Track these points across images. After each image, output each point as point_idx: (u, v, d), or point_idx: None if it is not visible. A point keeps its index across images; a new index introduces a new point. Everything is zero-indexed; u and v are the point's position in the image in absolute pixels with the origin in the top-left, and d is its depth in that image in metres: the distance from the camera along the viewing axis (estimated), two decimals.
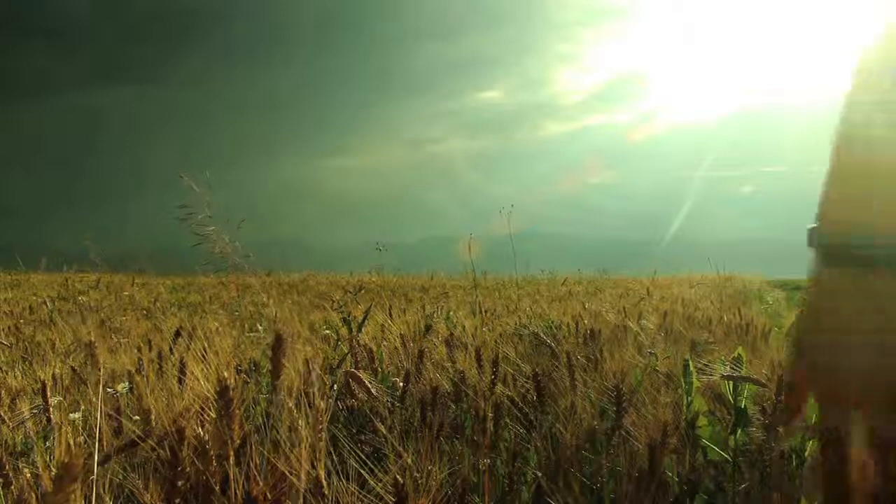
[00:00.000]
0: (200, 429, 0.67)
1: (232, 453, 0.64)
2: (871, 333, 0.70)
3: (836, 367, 0.73)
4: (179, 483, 0.58)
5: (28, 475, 1.02)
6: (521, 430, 1.68)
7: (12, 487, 1.02)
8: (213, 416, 0.71)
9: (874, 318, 0.70)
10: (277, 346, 0.85)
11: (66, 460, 0.46)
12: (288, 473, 0.60)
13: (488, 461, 1.55)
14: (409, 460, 0.84)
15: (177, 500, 0.58)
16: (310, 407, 0.71)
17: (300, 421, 0.67)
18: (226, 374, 0.67)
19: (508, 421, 1.70)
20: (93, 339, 1.54)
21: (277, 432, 0.67)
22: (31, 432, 1.45)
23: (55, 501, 0.45)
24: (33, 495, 0.93)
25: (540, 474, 1.52)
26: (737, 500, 1.50)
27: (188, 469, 0.63)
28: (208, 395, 0.68)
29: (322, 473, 0.65)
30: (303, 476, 0.62)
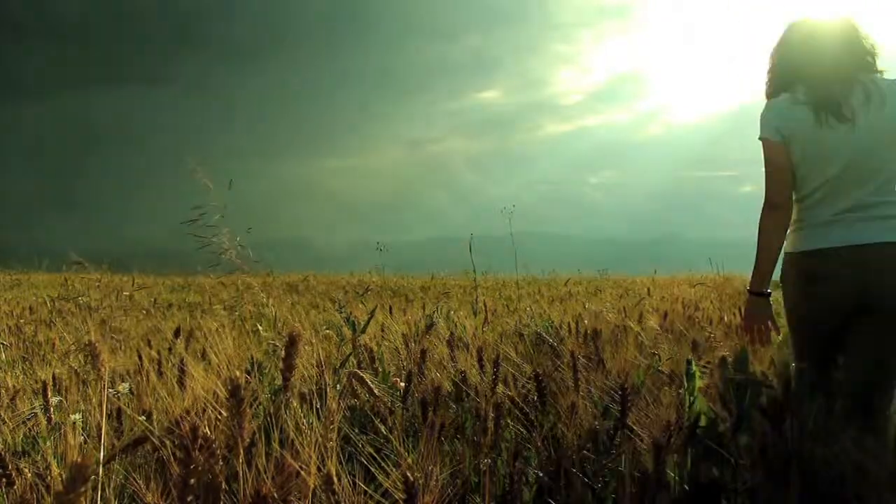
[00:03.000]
0: (207, 428, 0.67)
1: (242, 451, 0.64)
2: None
3: None
4: (192, 481, 0.58)
5: (29, 475, 1.02)
6: (521, 430, 1.67)
7: (15, 487, 1.01)
8: (216, 415, 0.71)
9: None
10: (290, 346, 0.85)
11: (78, 460, 0.45)
12: (300, 470, 0.60)
13: (489, 461, 1.54)
14: (411, 460, 0.84)
15: (189, 498, 0.58)
16: (311, 407, 0.71)
17: (312, 420, 0.67)
18: (237, 373, 0.67)
19: (509, 421, 1.69)
20: (94, 339, 1.53)
21: (284, 431, 0.67)
22: (32, 432, 1.45)
23: (67, 501, 0.45)
24: (34, 496, 0.92)
25: (541, 474, 1.52)
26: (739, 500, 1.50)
27: (199, 467, 0.62)
28: (218, 394, 0.68)
29: (333, 471, 0.65)
30: (312, 473, 0.62)
